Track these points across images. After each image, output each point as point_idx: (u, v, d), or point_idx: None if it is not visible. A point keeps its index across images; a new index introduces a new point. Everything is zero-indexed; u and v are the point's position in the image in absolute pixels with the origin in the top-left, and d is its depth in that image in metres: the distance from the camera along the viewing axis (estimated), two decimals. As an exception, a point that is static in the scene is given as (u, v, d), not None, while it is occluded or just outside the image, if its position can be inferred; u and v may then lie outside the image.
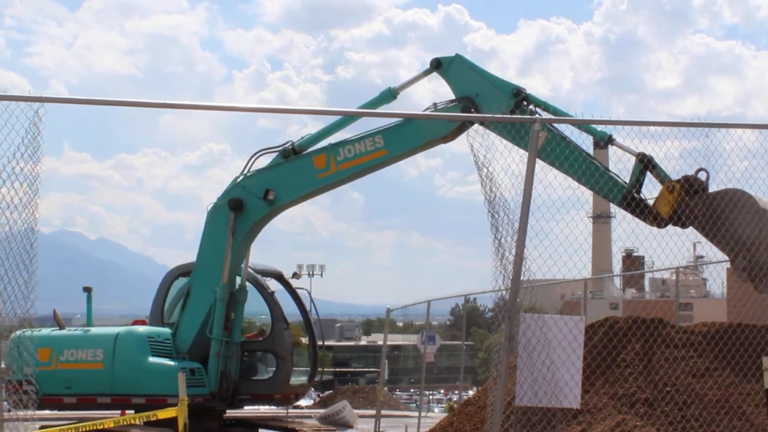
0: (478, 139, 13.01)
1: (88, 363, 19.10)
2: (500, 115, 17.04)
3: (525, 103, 17.77)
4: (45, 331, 19.46)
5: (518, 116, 17.32)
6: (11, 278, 11.28)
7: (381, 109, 18.97)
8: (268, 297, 20.85)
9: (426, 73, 18.83)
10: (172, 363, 19.16)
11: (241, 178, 19.67)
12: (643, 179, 16.70)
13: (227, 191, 19.66)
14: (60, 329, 19.75)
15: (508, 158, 12.87)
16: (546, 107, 17.73)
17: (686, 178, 16.02)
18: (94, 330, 19.73)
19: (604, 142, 16.98)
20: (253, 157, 19.76)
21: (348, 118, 19.23)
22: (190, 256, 20.34)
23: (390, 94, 19.20)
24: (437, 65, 18.54)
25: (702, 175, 15.94)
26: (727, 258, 15.79)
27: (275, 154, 19.77)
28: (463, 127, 17.94)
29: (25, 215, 11.33)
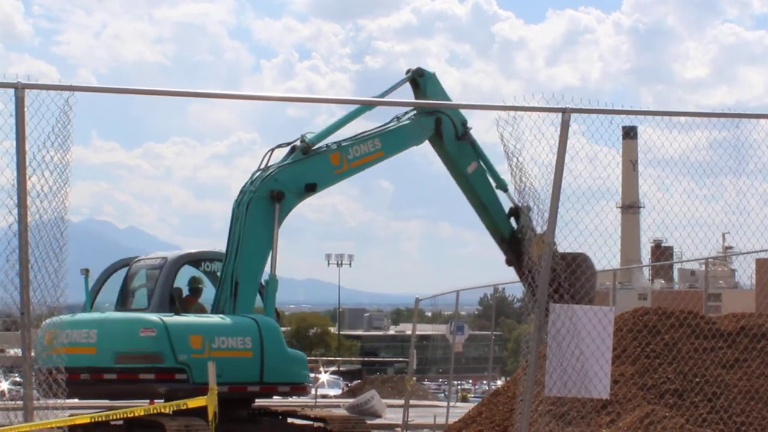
0: (508, 128, 12.99)
1: (239, 351, 18.79)
2: (527, 105, 17.22)
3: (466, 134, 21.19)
4: (194, 317, 19.19)
5: (547, 107, 17.52)
6: (41, 267, 11.29)
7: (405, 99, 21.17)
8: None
9: (406, 80, 21.25)
10: (301, 352, 20.28)
11: (273, 171, 19.86)
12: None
13: (263, 184, 19.74)
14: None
15: (537, 148, 12.88)
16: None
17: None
18: (228, 317, 19.40)
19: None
20: (269, 152, 20.39)
21: (360, 109, 20.89)
22: (218, 245, 20.35)
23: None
24: (421, 74, 21.13)
25: None
26: (754, 250, 16.02)
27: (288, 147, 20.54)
28: (433, 137, 21.10)
29: (55, 204, 11.37)
